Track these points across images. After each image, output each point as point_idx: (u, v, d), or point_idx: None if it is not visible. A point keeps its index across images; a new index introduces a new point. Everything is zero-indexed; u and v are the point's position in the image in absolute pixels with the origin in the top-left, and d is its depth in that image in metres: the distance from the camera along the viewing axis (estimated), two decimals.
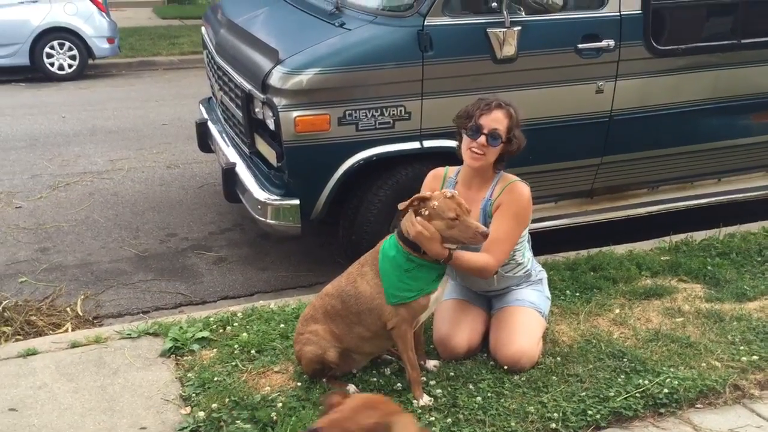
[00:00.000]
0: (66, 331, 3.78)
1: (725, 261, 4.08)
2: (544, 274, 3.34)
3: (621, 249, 4.29)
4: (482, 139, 2.96)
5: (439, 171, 3.22)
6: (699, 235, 4.45)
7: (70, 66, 10.93)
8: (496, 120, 2.97)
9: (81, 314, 4.03)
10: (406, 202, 2.77)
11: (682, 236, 4.43)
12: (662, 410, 2.76)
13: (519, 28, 3.86)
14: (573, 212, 4.43)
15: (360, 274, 2.87)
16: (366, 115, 3.80)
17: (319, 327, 2.88)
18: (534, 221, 4.25)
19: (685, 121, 4.42)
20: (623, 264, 4.01)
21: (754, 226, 4.62)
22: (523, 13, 3.88)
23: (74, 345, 3.35)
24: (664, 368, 2.96)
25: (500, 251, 2.97)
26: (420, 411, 2.72)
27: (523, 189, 3.05)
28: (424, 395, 2.81)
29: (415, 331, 2.89)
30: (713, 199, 4.73)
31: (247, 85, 4.07)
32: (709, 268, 3.96)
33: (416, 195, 2.81)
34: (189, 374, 3.06)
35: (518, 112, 3.05)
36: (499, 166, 3.10)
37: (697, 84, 4.38)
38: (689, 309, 3.52)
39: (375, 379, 2.95)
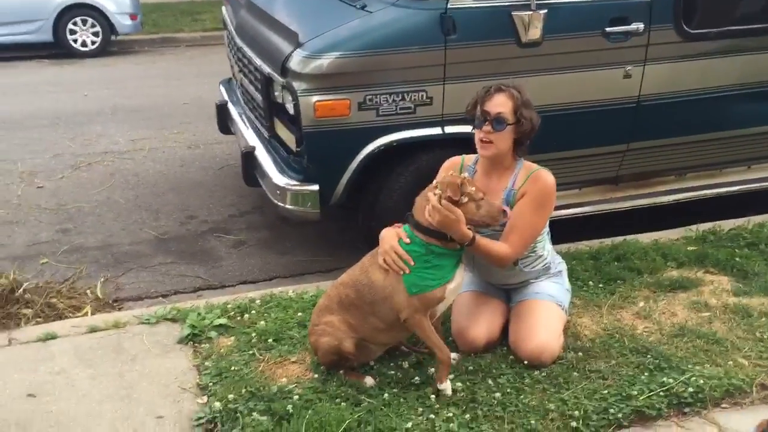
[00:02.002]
0: (86, 314, 3.78)
1: (754, 252, 3.97)
2: (563, 266, 3.27)
3: (646, 238, 4.19)
4: (487, 126, 2.88)
5: (455, 160, 3.14)
6: (727, 224, 4.34)
7: (93, 42, 10.97)
8: (498, 104, 2.87)
9: (101, 297, 4.03)
10: (454, 190, 2.65)
11: (709, 225, 4.33)
12: (686, 410, 2.68)
13: (545, 10, 3.75)
14: (597, 199, 4.34)
15: (373, 264, 2.81)
16: (387, 100, 3.73)
17: (334, 318, 2.84)
18: (557, 208, 4.14)
19: (715, 107, 4.30)
20: (648, 254, 3.92)
21: None
22: None
23: (93, 330, 3.36)
24: (689, 366, 2.88)
25: (521, 241, 2.91)
26: (437, 405, 2.68)
27: (548, 178, 2.96)
28: (447, 382, 2.75)
29: (434, 323, 2.85)
30: (743, 186, 4.60)
31: (267, 68, 4.01)
32: (737, 259, 3.85)
33: (449, 180, 2.70)
34: (206, 362, 3.04)
35: (524, 92, 2.93)
36: (520, 152, 3.01)
37: (729, 69, 4.25)
38: (716, 303, 3.43)
39: (393, 372, 2.90)
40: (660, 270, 3.78)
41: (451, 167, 3.10)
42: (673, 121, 4.27)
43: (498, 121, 2.87)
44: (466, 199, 2.68)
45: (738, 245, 4.06)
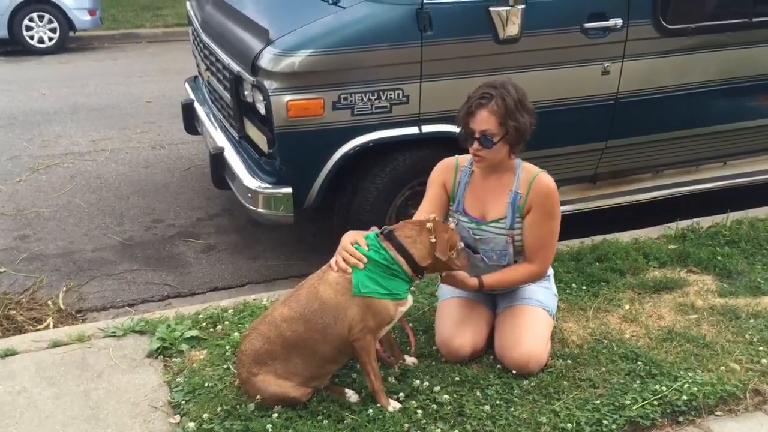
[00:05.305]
0: (47, 327, 3.60)
1: (734, 250, 3.93)
2: (551, 270, 3.17)
3: (626, 237, 4.13)
4: (475, 145, 2.78)
5: (449, 161, 3.02)
6: (705, 222, 4.30)
7: (50, 39, 10.63)
8: (481, 122, 2.74)
9: (63, 308, 3.85)
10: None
11: (687, 222, 4.29)
12: (680, 418, 2.60)
13: (522, 6, 3.64)
14: (576, 198, 4.27)
15: (322, 282, 2.61)
16: (362, 99, 3.60)
17: (277, 366, 2.59)
18: None
19: (692, 104, 4.26)
20: (629, 254, 3.85)
21: (761, 212, 4.48)
22: None
23: (56, 344, 3.17)
24: (681, 372, 2.80)
25: (546, 255, 2.94)
26: (424, 420, 2.56)
27: (549, 182, 2.89)
28: (391, 401, 2.65)
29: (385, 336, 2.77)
30: (719, 183, 4.59)
31: (236, 67, 3.85)
32: (719, 258, 3.80)
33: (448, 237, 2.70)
34: (178, 378, 2.88)
35: (510, 95, 2.73)
36: (515, 152, 2.89)
37: (706, 64, 4.21)
38: (702, 304, 3.36)
39: None
40: (642, 270, 3.71)
41: (445, 169, 3.00)
42: (652, 117, 4.22)
43: (485, 139, 2.77)
44: (455, 254, 2.71)
45: (718, 243, 4.02)
